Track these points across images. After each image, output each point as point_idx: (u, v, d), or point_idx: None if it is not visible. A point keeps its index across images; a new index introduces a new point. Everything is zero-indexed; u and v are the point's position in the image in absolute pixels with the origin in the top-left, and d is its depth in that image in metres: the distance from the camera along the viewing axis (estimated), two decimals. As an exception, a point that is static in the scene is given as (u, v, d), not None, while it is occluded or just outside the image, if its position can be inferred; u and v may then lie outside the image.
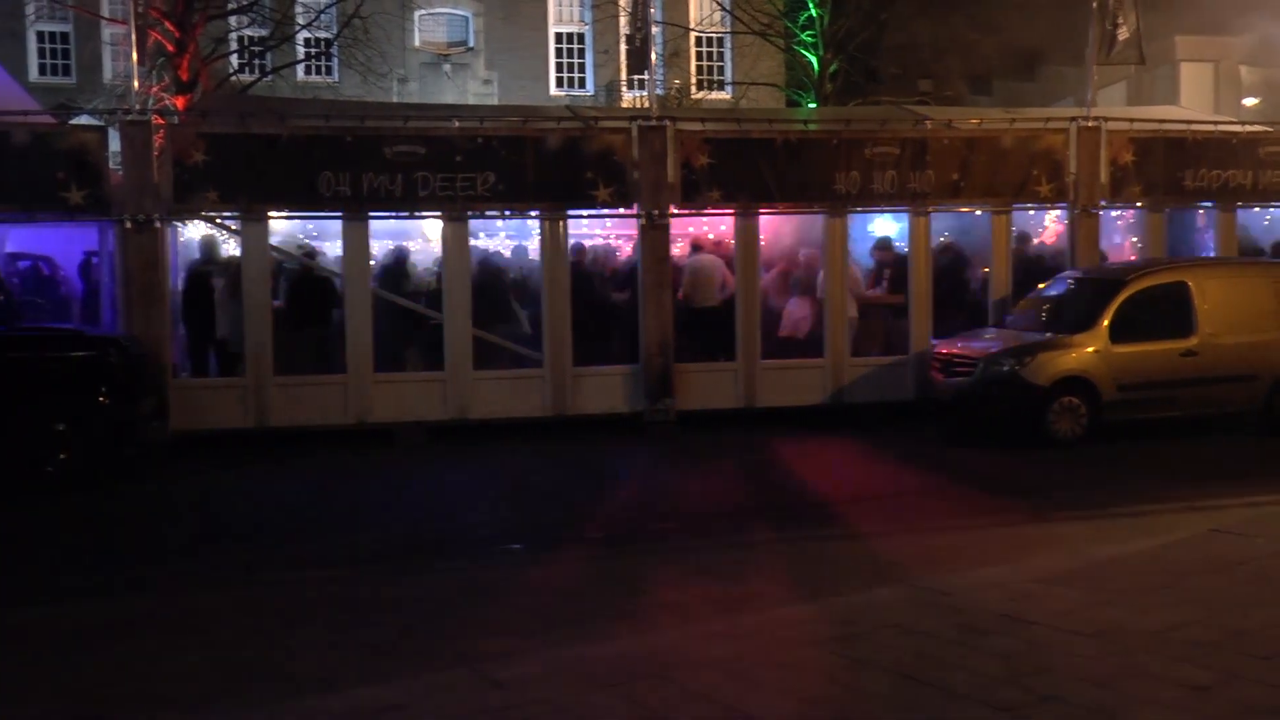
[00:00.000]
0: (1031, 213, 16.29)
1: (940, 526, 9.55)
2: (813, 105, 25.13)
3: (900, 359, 15.21)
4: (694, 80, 31.31)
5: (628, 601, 7.52)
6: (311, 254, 15.02)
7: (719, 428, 14.33)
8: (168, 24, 20.94)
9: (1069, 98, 25.99)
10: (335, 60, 28.36)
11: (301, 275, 14.80)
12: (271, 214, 14.08)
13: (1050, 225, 16.70)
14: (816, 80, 25.61)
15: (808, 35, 25.62)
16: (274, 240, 14.30)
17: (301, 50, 28.26)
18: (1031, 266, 15.92)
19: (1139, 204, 16.15)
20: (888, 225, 16.26)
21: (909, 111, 17.06)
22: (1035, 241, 16.55)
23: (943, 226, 16.09)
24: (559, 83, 32.02)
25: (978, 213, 15.73)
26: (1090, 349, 13.22)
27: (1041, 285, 14.90)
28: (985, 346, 13.72)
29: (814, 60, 25.56)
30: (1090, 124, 15.72)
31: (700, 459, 13.15)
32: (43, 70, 29.84)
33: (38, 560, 9.27)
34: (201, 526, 10.42)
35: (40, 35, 29.59)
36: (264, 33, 26.40)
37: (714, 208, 14.89)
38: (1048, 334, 13.64)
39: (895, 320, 15.53)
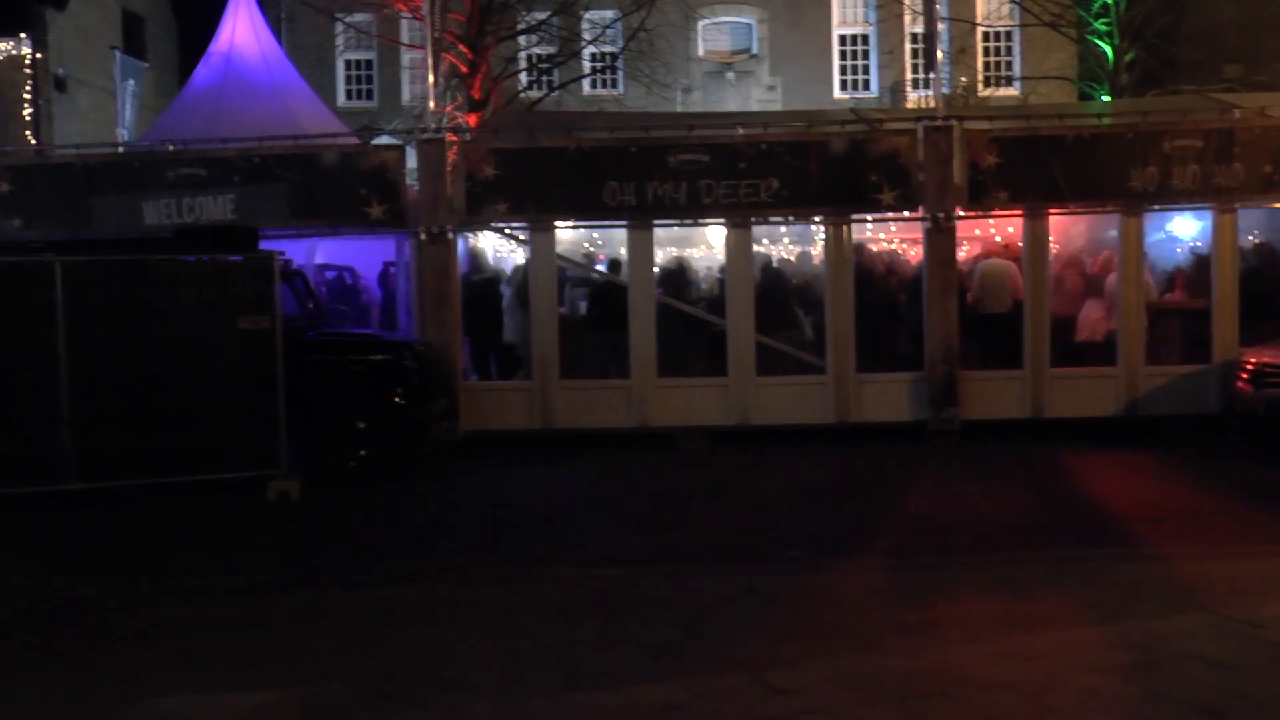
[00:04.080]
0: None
1: (1249, 551, 8.86)
2: (1106, 98, 23.95)
3: (1202, 368, 14.26)
4: (980, 77, 30.37)
5: (912, 614, 7.35)
6: (594, 259, 15.45)
7: (1005, 438, 13.79)
8: (461, 47, 21.95)
9: None
10: (620, 73, 29.02)
11: (586, 282, 15.24)
12: (558, 224, 14.51)
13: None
14: (1111, 71, 24.36)
15: (1102, 24, 24.38)
16: (559, 249, 14.74)
17: (588, 65, 29.05)
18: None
19: None
20: (1188, 224, 15.32)
21: (1214, 100, 15.99)
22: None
23: (1251, 224, 15.01)
24: (843, 85, 31.69)
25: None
26: None
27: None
28: (1303, 354, 12.66)
29: (1108, 50, 24.33)
30: None
31: (986, 470, 12.69)
32: (349, 95, 31.88)
33: (343, 549, 9.87)
34: (490, 522, 10.82)
35: (347, 64, 31.69)
36: (552, 50, 27.28)
37: (1002, 209, 14.36)
38: (1377, 342, 12.47)
39: (1195, 326, 14.59)
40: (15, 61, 26.98)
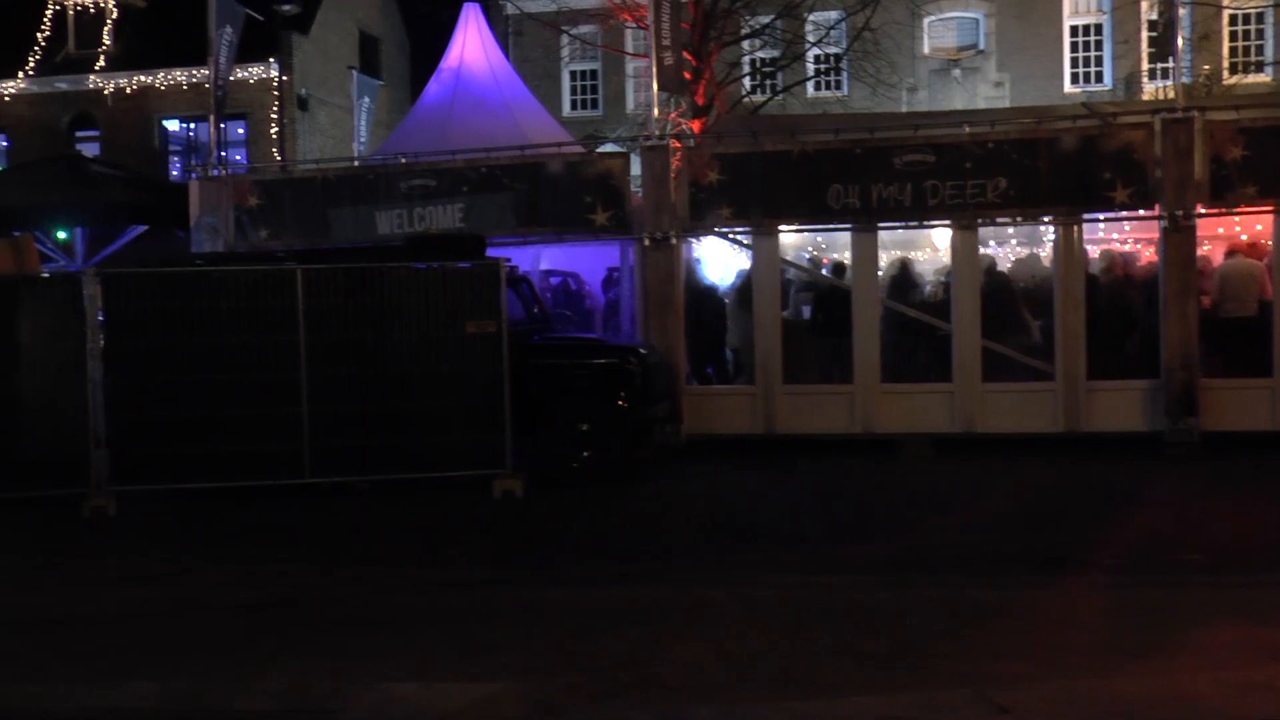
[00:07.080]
0: None
1: None
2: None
3: None
4: (1226, 64, 28.82)
5: (1145, 636, 6.98)
6: (818, 263, 15.31)
7: (1251, 452, 12.92)
8: (685, 54, 22.11)
9: None
10: (845, 74, 28.75)
11: (810, 286, 15.14)
12: (782, 228, 14.44)
13: None
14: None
15: (1370, 1, 22.75)
16: (783, 253, 14.66)
17: (811, 68, 28.90)
18: None
19: None
20: None
21: None
22: None
23: None
24: (1074, 79, 30.61)
25: None
26: None
27: None
28: None
29: (1377, 30, 22.67)
30: None
31: (1229, 486, 11.89)
32: (573, 105, 32.67)
33: (564, 548, 10.06)
34: (710, 525, 10.82)
35: (572, 74, 32.50)
36: (775, 54, 27.23)
37: (1248, 206, 13.51)
38: None
39: None
40: (265, 84, 28.83)
